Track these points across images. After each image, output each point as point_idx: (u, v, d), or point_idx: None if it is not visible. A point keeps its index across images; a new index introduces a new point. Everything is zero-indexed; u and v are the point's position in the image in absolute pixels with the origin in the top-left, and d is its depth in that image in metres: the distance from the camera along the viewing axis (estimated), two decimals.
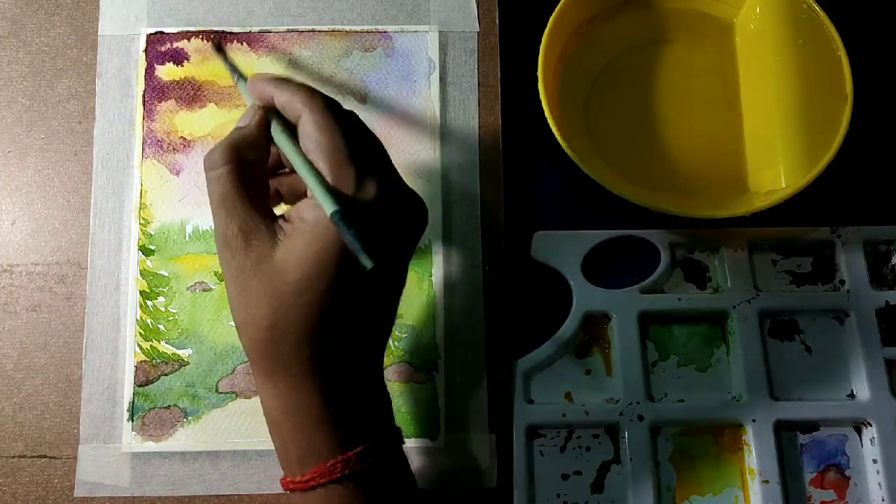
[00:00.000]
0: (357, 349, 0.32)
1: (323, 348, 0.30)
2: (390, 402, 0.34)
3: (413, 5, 0.49)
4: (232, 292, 0.31)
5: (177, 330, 0.44)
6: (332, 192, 0.30)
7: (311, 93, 0.32)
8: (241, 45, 0.48)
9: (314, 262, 0.29)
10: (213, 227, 0.45)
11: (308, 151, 0.31)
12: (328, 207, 0.29)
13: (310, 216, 0.30)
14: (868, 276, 0.46)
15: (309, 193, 0.31)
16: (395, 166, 0.34)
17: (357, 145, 0.31)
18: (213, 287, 0.45)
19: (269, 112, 0.33)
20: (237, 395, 0.44)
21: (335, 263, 0.30)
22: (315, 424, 0.31)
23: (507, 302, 0.45)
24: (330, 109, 0.32)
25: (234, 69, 0.41)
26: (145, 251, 0.45)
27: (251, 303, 0.30)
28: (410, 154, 0.47)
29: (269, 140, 0.33)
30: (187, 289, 0.45)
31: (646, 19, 0.50)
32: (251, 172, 0.32)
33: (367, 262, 0.28)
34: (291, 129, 0.33)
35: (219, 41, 0.44)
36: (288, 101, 0.32)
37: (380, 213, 0.31)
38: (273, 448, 0.31)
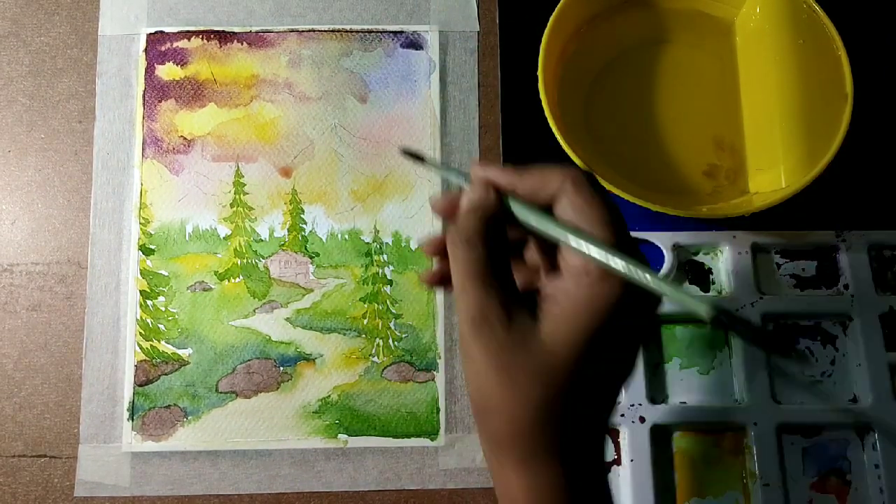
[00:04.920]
0: (601, 432, 0.32)
1: (581, 431, 0.30)
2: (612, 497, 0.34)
3: (413, 5, 0.52)
4: (487, 372, 0.30)
5: (177, 329, 0.47)
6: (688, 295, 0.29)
7: (565, 168, 0.32)
8: (241, 45, 0.51)
9: (589, 338, 0.29)
10: (213, 228, 0.48)
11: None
12: (705, 311, 0.28)
13: (581, 292, 0.30)
14: (872, 280, 0.49)
15: (565, 265, 0.31)
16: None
17: (620, 215, 0.31)
18: (213, 287, 0.48)
19: (503, 193, 0.33)
20: (237, 395, 0.46)
21: (608, 338, 0.30)
22: None
23: None
24: (591, 182, 0.31)
25: (457, 171, 0.37)
26: (145, 251, 0.48)
27: (517, 381, 0.30)
28: None
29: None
30: (187, 288, 0.48)
31: (646, 19, 0.52)
32: (501, 247, 0.32)
33: (783, 356, 0.29)
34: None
35: (412, 152, 0.38)
36: (538, 182, 0.32)
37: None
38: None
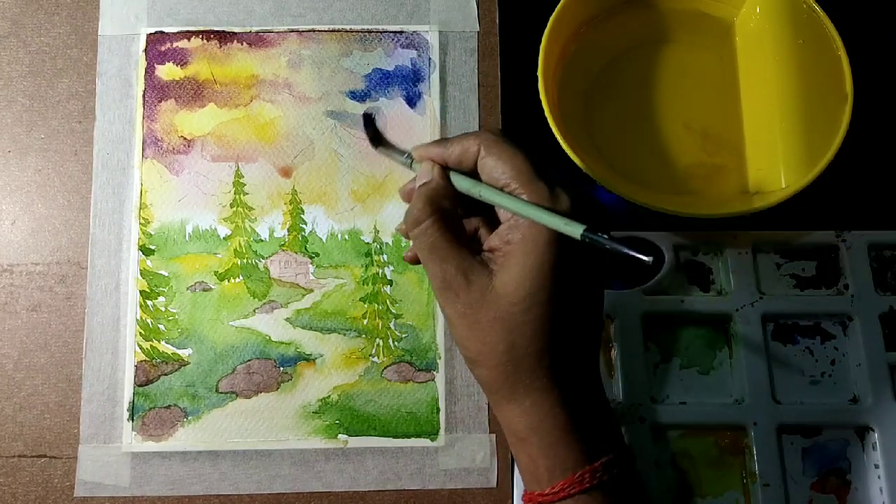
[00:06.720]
0: (587, 355, 0.36)
1: (559, 358, 0.34)
2: (617, 418, 0.37)
3: (413, 5, 0.52)
4: (462, 330, 0.35)
5: (177, 330, 0.48)
6: (559, 212, 0.33)
7: (477, 133, 0.36)
8: (241, 45, 0.51)
9: (532, 277, 0.33)
10: (213, 228, 0.49)
11: (496, 182, 0.35)
12: (574, 230, 0.32)
13: (515, 237, 0.34)
14: (872, 280, 0.49)
15: (503, 218, 0.35)
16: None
17: (536, 161, 0.35)
18: (213, 287, 0.48)
19: (445, 167, 0.37)
20: (237, 395, 0.47)
21: (551, 273, 0.33)
22: (562, 436, 0.34)
23: None
24: (501, 137, 0.35)
25: (400, 151, 0.40)
26: (145, 251, 0.49)
27: (485, 333, 0.34)
28: None
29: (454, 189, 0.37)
30: (187, 288, 0.48)
31: (646, 19, 0.53)
32: (451, 219, 0.36)
33: (647, 258, 0.32)
34: (471, 175, 0.36)
35: (369, 113, 0.43)
36: (460, 151, 0.36)
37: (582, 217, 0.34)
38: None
